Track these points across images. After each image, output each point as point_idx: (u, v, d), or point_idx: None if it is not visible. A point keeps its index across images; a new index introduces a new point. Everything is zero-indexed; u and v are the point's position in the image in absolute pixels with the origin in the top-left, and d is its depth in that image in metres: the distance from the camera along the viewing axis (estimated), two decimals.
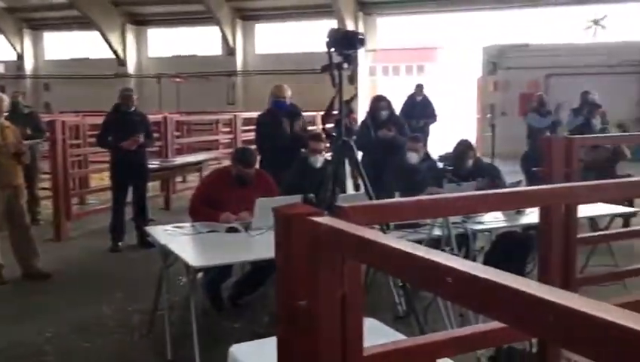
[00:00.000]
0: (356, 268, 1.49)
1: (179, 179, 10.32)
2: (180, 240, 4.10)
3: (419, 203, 1.85)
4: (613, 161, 6.95)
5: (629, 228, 5.85)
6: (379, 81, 22.19)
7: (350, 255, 1.38)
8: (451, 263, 0.99)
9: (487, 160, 7.46)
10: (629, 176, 6.08)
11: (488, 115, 16.04)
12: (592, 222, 5.75)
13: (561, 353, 3.60)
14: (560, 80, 14.99)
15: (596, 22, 16.14)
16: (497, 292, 0.89)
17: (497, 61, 16.58)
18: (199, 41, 21.03)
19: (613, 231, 5.08)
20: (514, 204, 2.74)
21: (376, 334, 2.30)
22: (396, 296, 4.50)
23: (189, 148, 11.87)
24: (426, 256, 1.03)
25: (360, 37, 3.61)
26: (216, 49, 20.69)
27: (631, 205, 5.96)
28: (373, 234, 1.22)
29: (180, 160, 9.53)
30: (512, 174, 7.11)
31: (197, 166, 9.56)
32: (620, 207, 5.58)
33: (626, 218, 6.32)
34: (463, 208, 2.14)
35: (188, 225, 4.54)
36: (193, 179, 10.31)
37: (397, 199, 1.84)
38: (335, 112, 3.96)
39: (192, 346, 3.61)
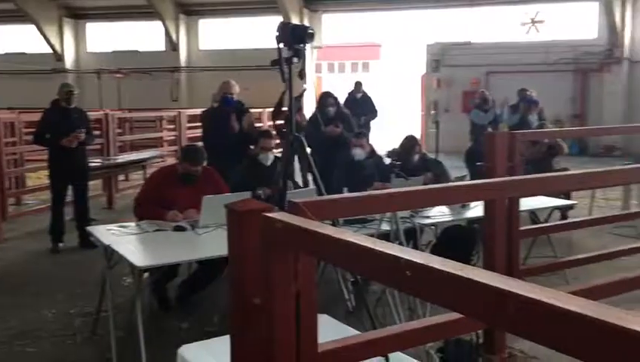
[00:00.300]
0: (310, 264, 1.48)
1: (122, 177, 10.06)
2: (125, 240, 3.99)
3: (372, 197, 1.86)
4: (551, 155, 7.20)
5: (567, 220, 6.07)
6: (324, 78, 22.27)
7: (306, 251, 1.36)
8: (411, 256, 0.99)
9: (432, 155, 7.61)
10: (565, 169, 6.30)
11: (432, 112, 16.37)
12: (533, 215, 5.94)
13: (507, 342, 3.70)
14: (500, 77, 15.44)
15: (533, 21, 16.69)
16: (456, 284, 0.89)
17: (440, 59, 16.92)
18: (141, 36, 20.54)
19: (553, 223, 5.26)
20: (460, 197, 2.79)
21: (329, 330, 2.30)
22: (346, 292, 4.52)
23: (133, 146, 11.59)
24: (386, 250, 1.03)
25: (309, 31, 3.60)
26: (159, 44, 20.25)
27: (568, 198, 6.19)
28: (330, 229, 1.21)
29: (123, 158, 9.30)
30: (457, 169, 7.27)
31: (141, 164, 9.34)
32: (558, 199, 5.80)
33: (564, 210, 6.56)
34: (414, 202, 2.16)
35: (133, 224, 4.42)
36: (137, 178, 10.07)
37: (350, 194, 1.84)
38: (285, 108, 3.93)
39: (138, 348, 3.52)
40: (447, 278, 0.92)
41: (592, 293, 2.32)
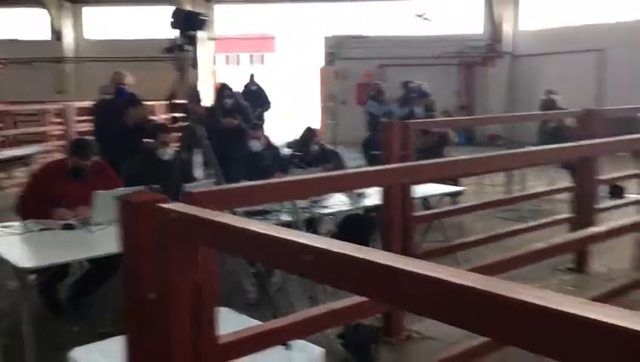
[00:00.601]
0: (210, 255, 1.45)
1: (3, 175, 9.37)
2: (7, 241, 3.73)
3: (270, 185, 1.85)
4: (441, 144, 7.53)
5: (458, 206, 6.38)
6: (222, 71, 21.93)
7: (205, 241, 1.33)
8: (312, 242, 0.99)
9: (331, 146, 7.72)
10: None
11: (330, 104, 16.61)
12: (425, 202, 6.19)
13: (404, 325, 3.84)
14: (393, 70, 15.90)
15: (424, 16, 17.33)
16: (357, 266, 0.90)
17: (336, 51, 17.16)
18: (23, 24, 19.16)
19: (445, 208, 5.50)
20: (358, 183, 2.85)
21: (230, 322, 2.27)
22: (247, 283, 4.49)
23: (17, 142, 10.83)
24: (288, 237, 1.03)
25: (201, 18, 3.52)
26: (42, 33, 19.00)
27: (456, 185, 6.51)
28: (228, 218, 1.19)
29: (3, 154, 8.67)
30: (355, 160, 7.44)
31: (24, 160, 8.75)
32: (449, 186, 6.10)
33: (454, 197, 6.90)
34: (313, 189, 2.18)
35: (16, 223, 4.13)
36: (21, 175, 9.41)
37: (248, 183, 1.81)
38: (181, 101, 3.83)
39: (24, 355, 3.29)
40: (349, 261, 0.93)
41: (483, 272, 2.45)
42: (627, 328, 0.64)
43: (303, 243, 1.03)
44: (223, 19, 19.04)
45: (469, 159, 2.82)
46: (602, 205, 5.47)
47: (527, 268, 3.30)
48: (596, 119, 5.09)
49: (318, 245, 1.01)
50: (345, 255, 0.95)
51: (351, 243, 1.01)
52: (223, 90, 6.89)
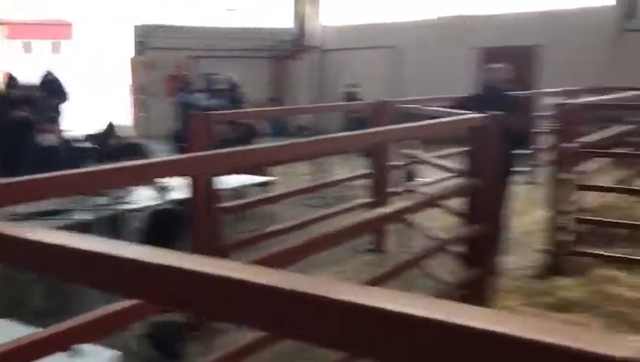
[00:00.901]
0: None
1: None
2: None
3: (49, 179, 1.67)
4: (249, 135, 7.58)
5: (265, 196, 6.48)
6: (15, 59, 19.81)
7: None
8: (81, 245, 0.89)
9: (143, 140, 7.40)
10: None
11: (142, 96, 15.88)
12: (237, 193, 6.19)
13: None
14: (204, 62, 15.66)
15: (235, 9, 17.30)
16: (137, 269, 0.84)
17: (145, 41, 16.44)
18: None
19: (251, 199, 5.53)
20: (155, 173, 2.74)
21: (10, 334, 2.04)
22: (35, 291, 4.12)
23: None
24: (43, 240, 0.92)
25: None
26: None
27: (263, 175, 6.62)
28: None
29: None
30: (164, 152, 7.19)
31: None
32: (259, 177, 6.18)
33: (264, 187, 7.00)
34: (102, 181, 2.03)
35: None
36: None
37: (21, 177, 1.61)
38: None
39: None
40: (130, 264, 0.85)
41: (283, 258, 2.47)
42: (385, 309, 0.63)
43: (59, 246, 0.92)
44: (14, 3, 17.20)
45: (270, 147, 2.85)
46: (394, 189, 5.91)
47: (331, 251, 3.45)
48: (388, 110, 5.50)
49: (80, 247, 0.91)
50: (119, 258, 0.87)
51: (122, 243, 0.93)
52: (9, 80, 6.25)
